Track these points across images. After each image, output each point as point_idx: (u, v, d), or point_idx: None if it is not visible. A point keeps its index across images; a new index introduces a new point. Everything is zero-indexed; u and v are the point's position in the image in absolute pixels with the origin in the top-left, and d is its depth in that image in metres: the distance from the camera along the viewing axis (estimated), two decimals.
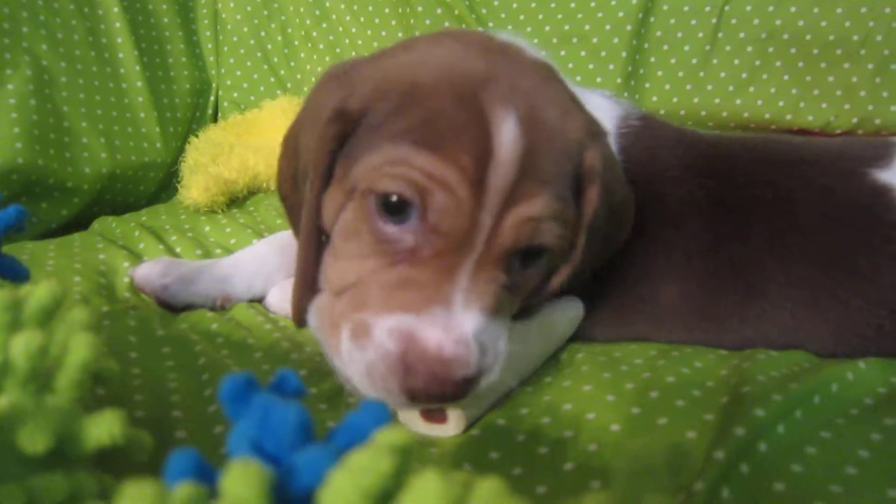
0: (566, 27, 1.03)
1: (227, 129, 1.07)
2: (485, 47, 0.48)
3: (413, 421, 0.46)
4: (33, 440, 0.27)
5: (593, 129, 0.49)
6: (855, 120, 0.99)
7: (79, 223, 0.93)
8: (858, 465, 0.38)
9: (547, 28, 1.04)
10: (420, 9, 1.08)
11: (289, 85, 1.19)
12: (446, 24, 1.08)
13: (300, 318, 0.49)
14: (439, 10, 1.07)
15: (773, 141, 0.65)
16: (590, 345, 0.58)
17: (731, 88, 1.01)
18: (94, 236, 0.80)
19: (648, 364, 0.51)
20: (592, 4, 1.02)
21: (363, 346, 0.41)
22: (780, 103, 1.00)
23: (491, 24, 1.06)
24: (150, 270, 0.65)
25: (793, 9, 0.97)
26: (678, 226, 0.58)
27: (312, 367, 0.52)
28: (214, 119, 1.20)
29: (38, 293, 0.32)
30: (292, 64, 1.19)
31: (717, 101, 1.02)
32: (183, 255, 0.77)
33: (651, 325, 0.58)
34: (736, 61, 1.00)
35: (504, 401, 0.49)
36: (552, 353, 0.55)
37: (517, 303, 0.47)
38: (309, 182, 0.47)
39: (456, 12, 1.07)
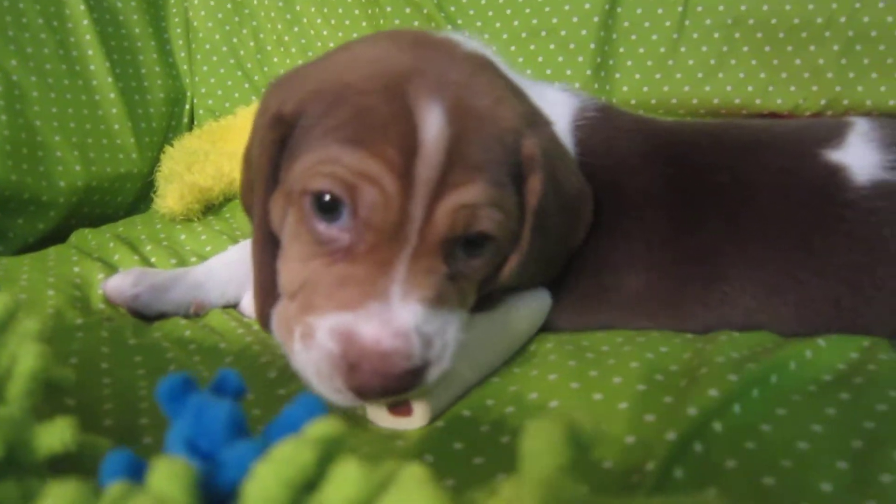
0: (534, 21, 1.04)
1: (202, 137, 1.07)
2: (416, 43, 0.49)
3: (380, 415, 0.47)
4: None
5: (531, 119, 0.49)
6: (823, 101, 1.00)
7: (56, 237, 0.93)
8: (811, 440, 0.38)
9: (515, 23, 1.05)
10: (389, 9, 1.08)
11: (263, 90, 1.18)
12: (415, 23, 1.08)
13: (265, 322, 0.49)
14: (408, 10, 1.08)
15: (731, 125, 0.65)
16: (558, 334, 0.58)
17: (700, 75, 1.02)
18: (70, 249, 0.80)
19: (614, 351, 0.52)
20: None
21: (309, 347, 0.41)
22: (749, 88, 1.01)
23: (459, 22, 1.07)
24: (122, 281, 0.65)
25: None
26: (639, 215, 0.58)
27: (282, 368, 0.53)
28: (190, 127, 1.20)
29: None
30: (266, 69, 1.19)
31: (686, 88, 1.03)
32: (158, 264, 0.77)
33: (616, 313, 0.59)
34: (704, 48, 1.01)
35: (470, 392, 0.49)
36: (520, 344, 0.56)
37: (471, 293, 0.48)
38: (255, 188, 0.48)
39: (425, 11, 1.07)
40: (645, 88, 1.03)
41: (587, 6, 1.02)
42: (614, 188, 0.59)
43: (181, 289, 0.66)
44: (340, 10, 1.14)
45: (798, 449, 0.37)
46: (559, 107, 0.61)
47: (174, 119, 1.19)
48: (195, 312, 0.66)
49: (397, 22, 1.08)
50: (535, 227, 0.49)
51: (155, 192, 0.99)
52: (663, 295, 0.57)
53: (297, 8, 1.16)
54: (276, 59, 1.19)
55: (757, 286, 0.55)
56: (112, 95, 1.07)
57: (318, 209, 0.44)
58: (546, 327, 0.59)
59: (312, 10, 1.15)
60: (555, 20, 1.03)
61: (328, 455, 0.20)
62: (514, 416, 0.45)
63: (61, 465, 0.31)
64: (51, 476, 0.31)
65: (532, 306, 0.57)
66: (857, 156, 0.57)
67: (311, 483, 0.20)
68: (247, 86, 1.19)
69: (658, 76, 1.03)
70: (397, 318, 0.40)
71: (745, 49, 1.00)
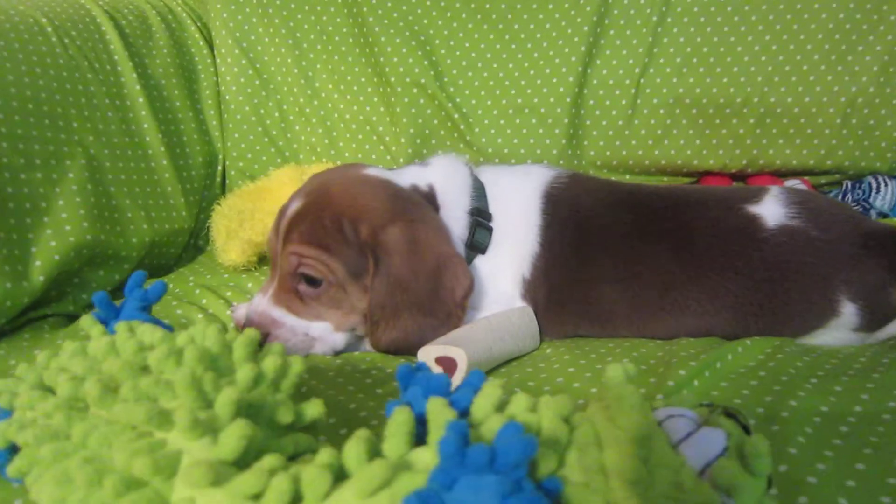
0: (519, 100, 1.29)
1: (244, 197, 1.26)
2: (334, 172, 0.89)
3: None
4: (285, 416, 0.48)
5: (387, 217, 0.78)
6: (744, 161, 1.28)
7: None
8: (742, 399, 0.62)
9: (503, 101, 1.29)
10: (399, 89, 1.31)
11: (287, 154, 1.39)
12: (421, 100, 1.31)
13: None
14: (415, 90, 1.31)
15: (677, 188, 0.90)
16: (565, 341, 0.82)
17: (650, 142, 1.29)
18: (167, 297, 0.99)
19: (609, 351, 0.75)
20: (538, 81, 1.28)
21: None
22: (688, 152, 1.28)
23: (458, 100, 1.30)
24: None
25: (691, 79, 1.26)
26: (605, 245, 0.82)
27: (377, 376, 0.74)
28: (223, 187, 1.39)
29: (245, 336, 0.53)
30: (289, 136, 1.40)
31: (640, 152, 1.29)
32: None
33: (598, 324, 0.83)
34: (652, 121, 1.28)
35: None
36: (518, 331, 0.79)
37: (331, 314, 0.81)
38: None
39: (429, 91, 1.31)
40: (608, 153, 1.29)
41: (561, 89, 1.27)
42: (583, 230, 0.83)
43: None
44: (355, 88, 1.36)
45: (734, 404, 0.61)
46: (537, 176, 0.87)
47: (209, 179, 1.38)
48: None
49: (406, 100, 1.31)
50: (383, 292, 0.77)
51: (209, 246, 1.18)
52: (630, 302, 0.81)
53: (317, 84, 1.38)
54: (297, 128, 1.39)
55: (700, 296, 0.79)
56: (164, 162, 1.25)
57: None
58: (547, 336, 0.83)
59: (330, 86, 1.37)
60: (535, 100, 1.28)
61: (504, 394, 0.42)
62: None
63: None
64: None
65: (517, 311, 0.81)
66: (769, 209, 0.81)
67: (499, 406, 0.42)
68: (272, 150, 1.39)
69: (618, 143, 1.29)
70: (257, 305, 0.81)
71: (684, 122, 1.27)
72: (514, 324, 0.81)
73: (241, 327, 0.86)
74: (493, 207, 0.86)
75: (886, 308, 0.77)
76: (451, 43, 1.31)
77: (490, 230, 0.85)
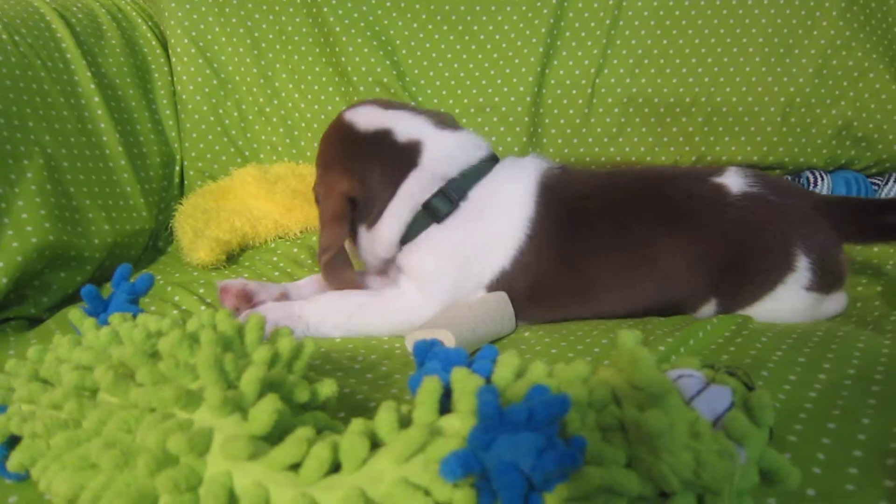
0: (480, 99, 1.32)
1: (206, 196, 1.25)
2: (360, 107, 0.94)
3: None
4: (302, 395, 0.49)
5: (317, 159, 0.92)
6: (694, 158, 1.35)
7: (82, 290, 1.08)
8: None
9: (465, 100, 1.33)
10: (361, 88, 1.33)
11: (247, 153, 1.38)
12: None
13: None
14: (378, 90, 1.33)
15: (653, 168, 0.97)
16: (538, 327, 0.85)
17: (605, 140, 1.34)
18: None
19: (587, 333, 0.79)
20: (499, 81, 1.32)
21: None
22: (642, 149, 1.35)
23: (420, 99, 1.33)
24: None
25: (643, 80, 1.32)
26: (591, 223, 0.86)
27: (392, 364, 0.75)
28: (181, 187, 1.37)
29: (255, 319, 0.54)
30: (248, 135, 1.39)
31: (596, 150, 1.34)
32: (214, 303, 0.96)
33: (582, 305, 0.87)
34: (607, 120, 1.34)
35: None
36: (496, 309, 0.82)
37: None
38: None
39: (392, 90, 1.32)
40: (565, 150, 1.34)
41: (521, 88, 1.32)
42: (574, 211, 0.87)
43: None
44: (316, 87, 1.36)
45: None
46: (531, 166, 0.91)
47: (167, 180, 1.36)
48: None
49: None
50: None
51: (169, 246, 1.17)
52: (619, 274, 0.85)
53: (276, 84, 1.38)
54: (257, 127, 1.39)
55: (681, 260, 0.84)
56: (122, 162, 1.23)
57: None
58: (532, 320, 0.86)
59: (290, 86, 1.37)
60: (496, 99, 1.32)
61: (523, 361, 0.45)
62: None
63: None
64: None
65: (494, 296, 0.85)
66: (732, 179, 0.88)
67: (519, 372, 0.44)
68: (232, 150, 1.38)
69: (575, 141, 1.34)
70: None
71: (637, 120, 1.34)
72: (492, 307, 0.84)
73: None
74: (480, 192, 0.88)
75: (835, 267, 0.86)
76: (413, 43, 1.33)
77: (453, 203, 0.86)
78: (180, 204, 1.23)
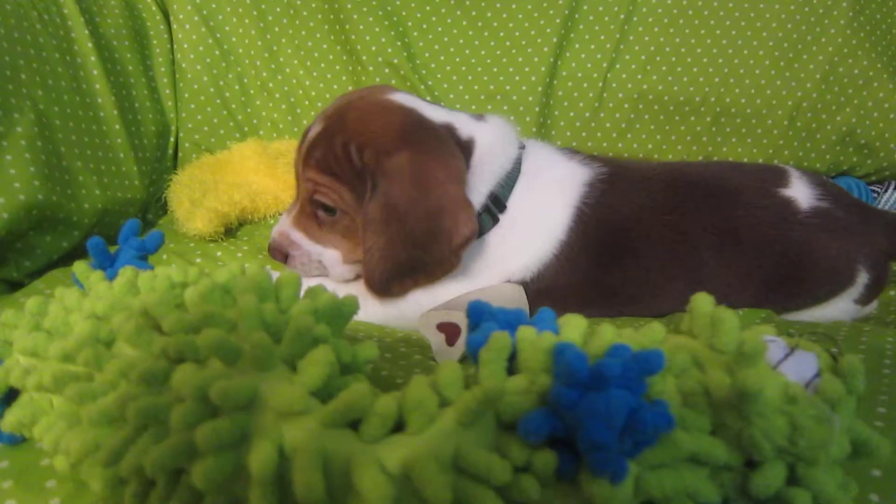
0: (491, 87, 1.30)
1: (204, 168, 1.20)
2: (357, 95, 0.83)
3: (444, 353, 0.68)
4: (346, 354, 0.46)
5: (402, 144, 0.73)
6: (701, 157, 1.34)
7: (74, 255, 1.02)
8: None
9: (475, 87, 1.30)
10: (371, 68, 1.29)
11: (246, 129, 1.34)
12: (392, 81, 1.30)
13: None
14: (387, 70, 1.29)
15: (713, 171, 0.88)
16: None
17: (614, 135, 1.33)
18: None
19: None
20: (510, 70, 1.30)
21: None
22: (650, 146, 1.33)
23: (430, 83, 1.30)
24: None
25: (654, 77, 1.31)
26: (637, 255, 0.82)
27: (409, 345, 0.72)
28: (175, 159, 1.32)
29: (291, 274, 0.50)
30: (249, 110, 1.34)
31: (605, 144, 1.33)
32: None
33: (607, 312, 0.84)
34: (617, 115, 1.32)
35: None
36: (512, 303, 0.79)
37: (341, 243, 0.83)
38: None
39: (402, 72, 1.29)
40: (574, 143, 1.32)
41: (533, 78, 1.29)
42: (614, 242, 0.82)
43: None
44: (323, 65, 1.32)
45: None
46: (570, 182, 0.84)
47: (160, 151, 1.30)
48: None
49: (378, 80, 1.29)
50: (378, 219, 0.73)
51: (160, 220, 1.11)
52: (657, 295, 0.83)
53: (281, 59, 1.33)
54: (258, 103, 1.34)
55: (733, 278, 0.81)
56: (117, 127, 1.17)
57: None
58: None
59: (296, 62, 1.33)
60: (507, 87, 1.29)
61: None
62: None
63: None
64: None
65: (509, 286, 0.81)
66: (801, 192, 0.84)
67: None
68: (231, 124, 1.33)
69: (584, 134, 1.32)
70: (277, 228, 0.85)
71: (647, 117, 1.32)
72: (507, 298, 0.81)
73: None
74: (516, 202, 0.81)
75: (884, 279, 0.86)
76: (425, 26, 1.30)
77: (495, 219, 0.81)
78: (175, 174, 1.18)
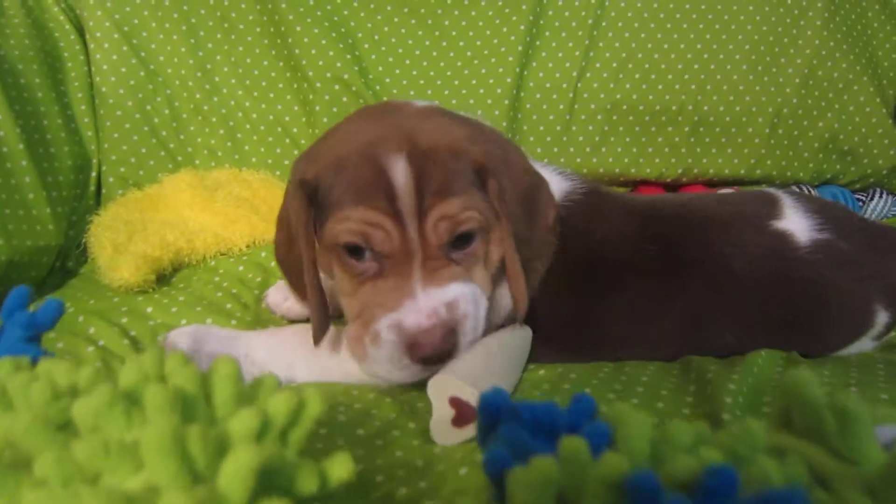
0: (453, 101, 1.18)
1: (130, 206, 1.05)
2: (382, 113, 0.67)
3: (445, 433, 0.55)
4: (308, 482, 0.32)
5: (474, 137, 0.64)
6: (680, 170, 1.25)
7: None
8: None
9: (436, 103, 1.17)
10: (318, 85, 1.16)
11: (179, 158, 1.18)
12: (344, 98, 1.17)
13: (319, 340, 0.65)
14: (337, 87, 1.16)
15: (696, 203, 0.79)
16: (556, 366, 0.70)
17: (588, 150, 1.23)
18: None
19: (617, 369, 0.65)
20: (473, 82, 1.19)
21: (378, 345, 0.59)
22: (626, 160, 1.24)
23: (385, 99, 1.17)
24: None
25: (628, 86, 1.22)
26: (621, 286, 0.70)
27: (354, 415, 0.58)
28: (98, 196, 1.16)
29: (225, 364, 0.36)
30: (182, 137, 1.19)
31: (578, 160, 1.23)
32: (139, 337, 0.77)
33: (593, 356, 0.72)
34: (590, 127, 1.22)
35: None
36: (519, 356, 0.67)
37: (480, 270, 0.65)
38: (299, 246, 0.62)
39: (353, 88, 1.16)
40: (545, 160, 1.21)
41: (498, 90, 1.18)
42: (595, 265, 0.71)
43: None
44: (264, 83, 1.19)
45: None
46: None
47: (80, 188, 1.13)
48: None
49: (327, 98, 1.16)
50: (506, 214, 0.63)
51: (82, 268, 0.96)
52: (651, 340, 0.71)
53: (217, 79, 1.19)
54: (193, 128, 1.19)
55: (735, 325, 0.70)
56: (24, 163, 1.01)
57: (349, 253, 0.61)
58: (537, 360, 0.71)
59: (233, 81, 1.19)
60: (471, 101, 1.18)
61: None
62: None
63: None
64: None
65: (521, 334, 0.68)
66: (796, 224, 0.74)
67: None
68: (162, 154, 1.18)
69: (555, 150, 1.22)
70: (424, 305, 0.59)
71: (621, 129, 1.23)
72: (519, 351, 0.68)
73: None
74: None
75: None
76: (377, 37, 1.18)
77: None
78: (97, 215, 1.02)
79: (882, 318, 0.73)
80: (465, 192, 0.61)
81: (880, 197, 1.29)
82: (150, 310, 0.84)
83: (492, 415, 0.32)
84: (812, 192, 1.26)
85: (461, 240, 0.62)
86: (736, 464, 0.28)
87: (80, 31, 1.17)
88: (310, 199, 0.62)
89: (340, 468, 0.34)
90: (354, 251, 0.61)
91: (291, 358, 0.70)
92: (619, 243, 0.72)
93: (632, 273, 0.71)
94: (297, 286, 0.68)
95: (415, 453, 0.54)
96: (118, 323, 0.78)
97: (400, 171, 0.59)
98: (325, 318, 0.65)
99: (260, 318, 0.86)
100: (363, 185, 0.59)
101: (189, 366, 0.35)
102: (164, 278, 0.94)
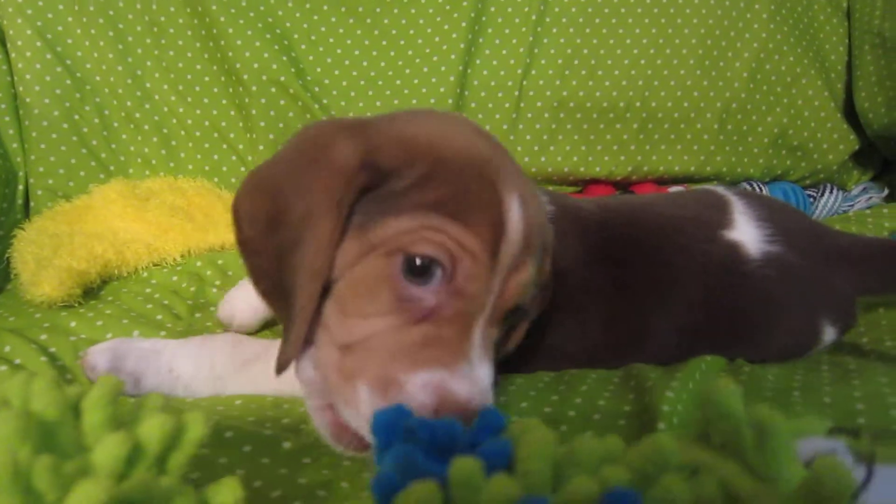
0: (395, 101, 1.15)
1: (57, 219, 0.99)
2: (477, 131, 0.55)
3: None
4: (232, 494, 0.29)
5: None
6: (629, 168, 1.24)
7: None
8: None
9: (378, 103, 1.15)
10: (254, 88, 1.12)
11: (111, 168, 1.13)
12: (281, 101, 1.13)
13: (284, 367, 0.50)
14: (273, 90, 1.12)
15: (647, 208, 0.76)
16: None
17: (535, 148, 1.21)
18: None
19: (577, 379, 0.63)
20: (415, 81, 1.16)
21: (393, 399, 0.44)
22: (574, 158, 1.22)
23: (325, 101, 1.14)
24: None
25: (574, 82, 1.20)
26: (576, 310, 0.67)
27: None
28: (26, 210, 1.10)
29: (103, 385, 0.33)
30: (113, 146, 1.14)
31: (526, 159, 1.20)
32: (60, 354, 0.72)
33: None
34: (537, 126, 1.20)
35: None
36: None
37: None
38: (318, 230, 0.47)
39: (291, 91, 1.13)
40: None
41: (441, 89, 1.16)
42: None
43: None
44: (198, 88, 1.14)
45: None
46: None
47: (6, 202, 1.08)
48: None
49: (263, 101, 1.12)
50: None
51: (8, 284, 0.91)
52: (601, 356, 0.69)
53: (148, 85, 1.14)
54: (124, 137, 1.14)
55: (682, 339, 0.69)
56: None
57: (408, 270, 0.46)
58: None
59: (165, 86, 1.14)
60: (414, 101, 1.15)
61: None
62: None
63: None
64: None
65: None
66: (746, 234, 0.72)
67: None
68: (93, 164, 1.12)
69: None
70: (481, 379, 0.46)
71: (569, 127, 1.21)
72: None
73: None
74: None
75: (852, 322, 0.75)
76: (313, 37, 1.15)
77: None
78: (21, 229, 0.97)
79: (829, 335, 0.72)
80: (541, 265, 0.53)
81: (830, 192, 1.29)
82: (73, 324, 0.79)
83: (388, 434, 0.29)
84: (763, 189, 1.26)
85: (513, 316, 0.53)
86: (643, 483, 0.26)
87: (1, 40, 1.11)
88: (368, 186, 0.48)
89: (226, 494, 0.31)
90: (419, 271, 0.47)
91: (221, 370, 0.66)
92: (570, 263, 0.67)
93: (581, 293, 0.68)
94: (281, 304, 0.50)
95: (341, 473, 0.51)
96: (37, 340, 0.74)
97: (516, 211, 0.48)
98: (301, 346, 0.49)
99: (193, 328, 0.81)
100: (472, 203, 0.47)
101: (55, 389, 0.32)
102: (91, 291, 0.89)
